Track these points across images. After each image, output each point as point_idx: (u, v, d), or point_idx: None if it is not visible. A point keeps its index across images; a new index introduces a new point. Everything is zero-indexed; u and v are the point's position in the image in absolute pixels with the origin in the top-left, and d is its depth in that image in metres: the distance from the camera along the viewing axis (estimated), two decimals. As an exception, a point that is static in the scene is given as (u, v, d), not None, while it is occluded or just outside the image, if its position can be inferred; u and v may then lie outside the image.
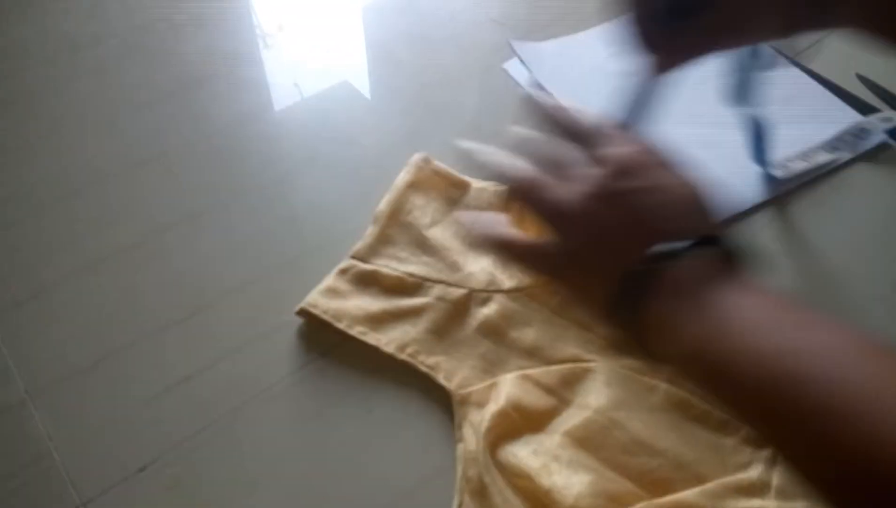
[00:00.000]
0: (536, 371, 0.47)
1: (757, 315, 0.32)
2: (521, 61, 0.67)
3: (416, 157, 0.57)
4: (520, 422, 0.45)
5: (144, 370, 0.48)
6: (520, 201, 0.38)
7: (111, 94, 0.65)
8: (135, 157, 0.60)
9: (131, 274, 0.52)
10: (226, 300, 0.51)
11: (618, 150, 0.36)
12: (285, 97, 0.66)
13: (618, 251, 0.35)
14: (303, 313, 0.49)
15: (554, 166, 0.38)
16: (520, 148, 0.39)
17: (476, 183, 0.56)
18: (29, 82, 0.66)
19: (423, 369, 0.47)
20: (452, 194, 0.56)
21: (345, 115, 0.65)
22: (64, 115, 0.63)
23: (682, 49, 0.42)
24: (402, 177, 0.56)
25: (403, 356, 0.48)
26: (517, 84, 0.67)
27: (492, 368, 0.48)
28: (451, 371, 0.47)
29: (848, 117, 0.63)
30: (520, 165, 0.38)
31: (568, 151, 0.38)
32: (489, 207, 0.54)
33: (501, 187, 0.54)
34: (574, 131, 0.38)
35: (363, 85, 0.67)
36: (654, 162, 0.37)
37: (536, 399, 0.46)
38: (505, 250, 0.39)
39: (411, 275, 0.51)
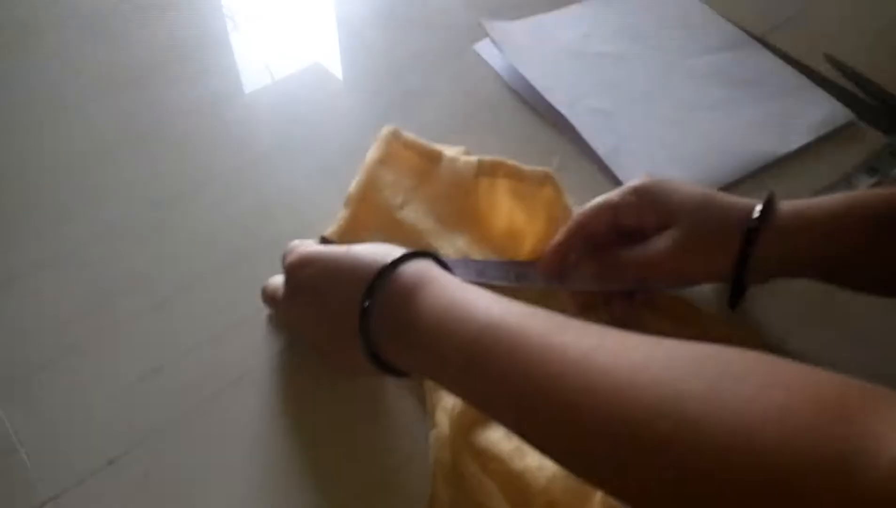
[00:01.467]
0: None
1: (448, 302, 0.37)
2: (493, 41, 0.66)
3: (385, 130, 0.55)
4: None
5: (113, 362, 0.47)
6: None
7: (73, 79, 0.63)
8: (99, 144, 0.59)
9: (99, 264, 0.52)
10: (198, 288, 0.51)
11: (288, 260, 0.44)
12: (255, 80, 0.65)
13: (337, 320, 0.41)
14: (274, 300, 0.49)
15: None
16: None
17: (448, 151, 0.55)
18: (-13, 67, 0.64)
19: (396, 355, 0.47)
20: (424, 166, 0.55)
21: (316, 97, 0.64)
22: (24, 102, 0.61)
23: (626, 273, 0.47)
24: (372, 153, 0.54)
25: (376, 343, 0.48)
26: (488, 65, 0.67)
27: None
28: (424, 357, 0.47)
29: (816, 97, 0.64)
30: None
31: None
32: (461, 180, 0.54)
33: (473, 159, 0.54)
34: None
35: (334, 67, 0.67)
36: (310, 254, 0.43)
37: (509, 383, 0.46)
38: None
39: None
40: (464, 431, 0.44)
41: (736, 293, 0.46)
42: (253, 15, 0.71)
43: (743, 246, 0.43)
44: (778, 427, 0.26)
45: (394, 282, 0.39)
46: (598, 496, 0.41)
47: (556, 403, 0.31)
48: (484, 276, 0.49)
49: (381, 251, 0.41)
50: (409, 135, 0.55)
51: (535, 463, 0.42)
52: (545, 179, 0.52)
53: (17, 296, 0.50)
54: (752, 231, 0.43)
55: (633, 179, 0.57)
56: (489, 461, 0.43)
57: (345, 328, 0.40)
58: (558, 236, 0.48)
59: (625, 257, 0.46)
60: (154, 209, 0.55)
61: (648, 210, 0.46)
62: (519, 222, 0.52)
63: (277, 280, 0.47)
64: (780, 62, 0.67)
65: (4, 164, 0.57)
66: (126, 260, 0.52)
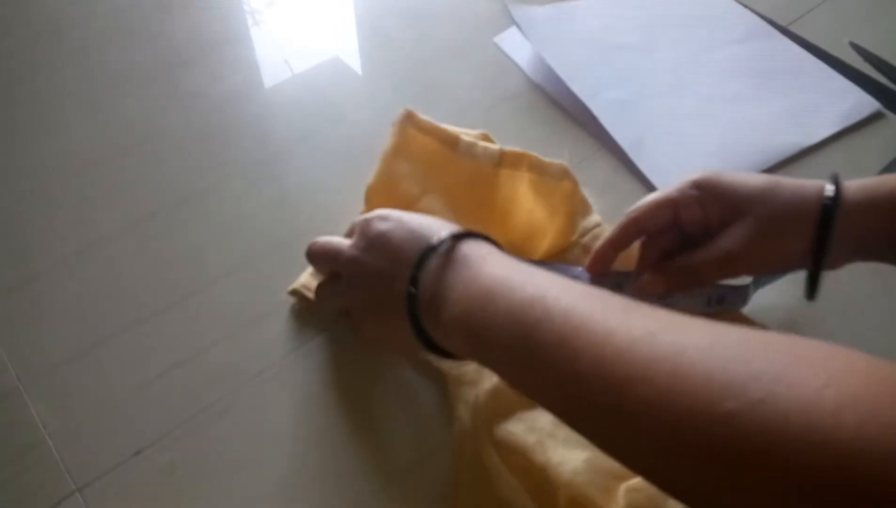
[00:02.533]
0: (531, 349, 0.47)
1: (501, 275, 0.37)
2: (517, 25, 0.66)
3: (400, 114, 0.54)
4: (513, 399, 0.45)
5: (138, 355, 0.47)
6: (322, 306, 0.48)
7: (97, 76, 0.64)
8: (122, 140, 0.59)
9: (123, 259, 0.52)
10: (219, 283, 0.51)
11: (363, 217, 0.45)
12: (275, 75, 0.65)
13: (393, 278, 0.41)
14: (296, 293, 0.49)
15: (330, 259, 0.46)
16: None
17: (465, 136, 0.54)
18: (10, 65, 0.65)
19: (417, 351, 0.47)
20: (441, 152, 0.53)
21: (336, 92, 0.64)
22: (49, 99, 0.62)
23: (695, 271, 0.45)
24: (389, 141, 0.54)
25: (396, 339, 0.48)
26: (509, 58, 0.67)
27: (486, 346, 0.47)
28: (445, 351, 0.47)
29: (841, 87, 0.63)
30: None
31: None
32: (480, 169, 0.53)
33: (492, 146, 0.53)
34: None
35: (354, 61, 0.67)
36: (387, 213, 0.44)
37: (531, 377, 0.46)
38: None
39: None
40: (485, 424, 0.44)
41: (813, 282, 0.44)
42: (273, 10, 0.71)
43: (820, 225, 0.42)
44: (853, 416, 0.24)
45: (456, 250, 0.39)
46: (622, 489, 0.41)
47: (611, 381, 0.30)
48: None
49: (453, 226, 0.42)
50: (425, 118, 0.54)
51: (556, 458, 0.42)
52: (563, 173, 0.52)
53: (42, 291, 0.50)
54: (829, 208, 0.41)
55: (655, 170, 0.57)
56: (511, 454, 0.43)
57: (398, 289, 0.40)
58: (610, 233, 0.47)
59: (699, 258, 0.44)
60: (176, 205, 0.55)
61: (713, 202, 0.44)
62: (539, 217, 0.52)
63: (329, 238, 0.47)
64: (804, 52, 0.66)
65: (29, 161, 0.58)
66: (150, 255, 0.52)
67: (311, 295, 0.48)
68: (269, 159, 0.58)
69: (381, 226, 0.43)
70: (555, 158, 0.53)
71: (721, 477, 0.27)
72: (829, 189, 0.42)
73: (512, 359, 0.35)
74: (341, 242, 0.46)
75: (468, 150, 0.53)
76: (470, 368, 0.46)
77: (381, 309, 0.42)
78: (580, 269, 0.48)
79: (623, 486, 0.41)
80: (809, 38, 0.67)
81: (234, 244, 0.53)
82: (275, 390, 0.46)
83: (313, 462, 0.44)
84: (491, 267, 0.38)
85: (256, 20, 0.70)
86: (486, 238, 0.41)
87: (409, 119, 0.54)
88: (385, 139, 0.54)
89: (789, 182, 0.44)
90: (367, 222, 0.44)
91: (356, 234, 0.45)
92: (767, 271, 0.47)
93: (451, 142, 0.53)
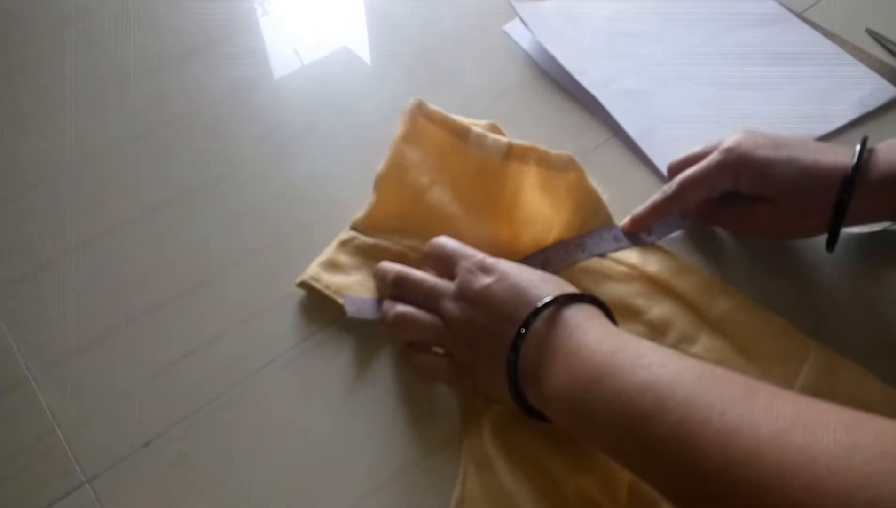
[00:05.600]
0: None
1: (607, 352, 0.36)
2: (522, 21, 0.65)
3: (410, 103, 0.54)
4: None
5: (147, 346, 0.48)
6: (401, 335, 0.46)
7: (105, 66, 0.64)
8: (132, 130, 0.59)
9: (131, 249, 0.52)
10: (228, 273, 0.51)
11: (462, 264, 0.44)
12: (284, 65, 0.65)
13: (495, 335, 0.40)
14: (304, 285, 0.49)
15: (422, 297, 0.45)
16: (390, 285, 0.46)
17: (475, 127, 0.53)
18: (19, 56, 0.65)
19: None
20: (450, 142, 0.53)
21: (345, 81, 0.64)
22: (57, 89, 0.62)
23: (726, 224, 0.52)
24: (398, 129, 0.53)
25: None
26: (518, 46, 0.66)
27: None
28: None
29: (858, 74, 0.62)
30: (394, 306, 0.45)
31: (428, 282, 0.45)
32: (489, 161, 0.52)
33: (501, 138, 0.52)
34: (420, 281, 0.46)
35: (363, 51, 0.66)
36: (491, 263, 0.43)
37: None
38: (410, 363, 0.46)
39: (413, 250, 0.50)
40: (493, 415, 0.44)
41: (832, 240, 0.47)
42: (281, 0, 0.71)
43: (837, 207, 0.45)
44: None
45: (559, 315, 0.39)
46: (631, 479, 0.40)
47: (742, 486, 0.28)
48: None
49: (558, 284, 0.42)
50: (435, 108, 0.54)
51: (564, 449, 0.42)
52: (570, 164, 0.51)
53: (51, 281, 0.51)
54: (846, 191, 0.44)
55: (666, 159, 0.56)
56: (518, 444, 0.43)
57: (499, 347, 0.39)
58: (650, 204, 0.51)
59: (722, 213, 0.50)
60: (184, 195, 0.55)
61: (746, 181, 0.47)
62: (546, 211, 0.51)
63: (417, 272, 0.46)
64: (820, 37, 0.65)
65: (39, 151, 0.58)
66: (158, 245, 0.52)
67: (319, 286, 0.48)
68: (278, 149, 0.58)
69: (484, 280, 0.42)
70: (563, 147, 0.52)
71: None
72: (852, 165, 0.45)
73: (621, 445, 0.34)
74: (436, 282, 0.45)
75: (478, 141, 0.53)
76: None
77: (487, 364, 0.41)
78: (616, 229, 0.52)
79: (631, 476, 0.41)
80: (825, 23, 0.66)
81: (243, 235, 0.53)
82: (283, 380, 0.46)
83: (321, 454, 0.44)
84: (595, 340, 0.37)
85: (266, 10, 0.70)
86: (592, 300, 0.41)
87: (418, 108, 0.53)
88: (393, 129, 0.54)
89: (818, 166, 0.46)
90: (468, 271, 0.43)
91: (457, 284, 0.43)
92: (786, 238, 0.51)
93: (461, 133, 0.53)
